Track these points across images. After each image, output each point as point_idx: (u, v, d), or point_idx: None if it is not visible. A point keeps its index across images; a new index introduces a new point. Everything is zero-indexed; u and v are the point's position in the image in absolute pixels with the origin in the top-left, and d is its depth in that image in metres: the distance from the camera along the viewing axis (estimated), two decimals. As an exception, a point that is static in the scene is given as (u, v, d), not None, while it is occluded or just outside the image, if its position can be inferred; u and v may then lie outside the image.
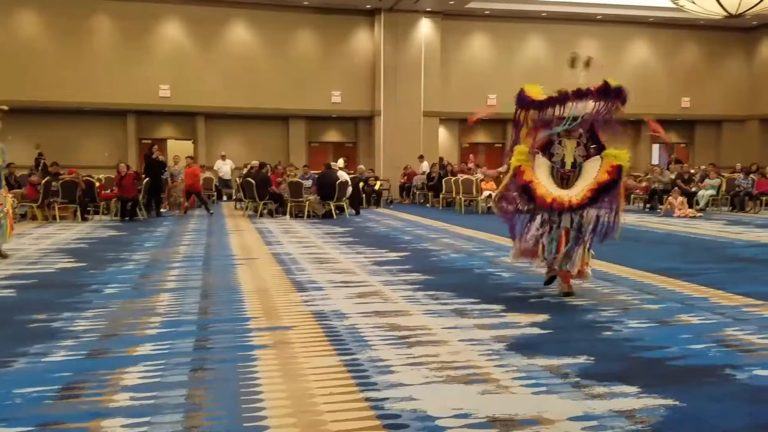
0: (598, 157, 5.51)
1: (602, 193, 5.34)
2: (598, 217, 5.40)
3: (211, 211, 14.65)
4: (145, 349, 4.06)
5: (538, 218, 5.54)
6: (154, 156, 14.54)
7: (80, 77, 19.08)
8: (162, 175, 14.81)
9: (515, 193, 5.65)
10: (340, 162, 19.01)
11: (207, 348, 4.10)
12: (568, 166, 5.55)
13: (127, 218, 13.31)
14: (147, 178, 14.00)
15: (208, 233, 10.93)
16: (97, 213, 14.09)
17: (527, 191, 5.46)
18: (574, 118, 5.44)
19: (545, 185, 5.45)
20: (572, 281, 5.68)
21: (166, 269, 7.13)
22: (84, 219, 13.24)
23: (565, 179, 5.55)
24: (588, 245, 5.60)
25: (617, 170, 5.37)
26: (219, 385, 3.42)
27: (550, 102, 5.49)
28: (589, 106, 5.44)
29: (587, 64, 5.70)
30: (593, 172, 5.43)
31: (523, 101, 5.65)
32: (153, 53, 19.85)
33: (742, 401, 3.16)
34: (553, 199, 5.34)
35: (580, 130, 5.55)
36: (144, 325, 4.64)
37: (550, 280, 5.85)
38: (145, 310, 5.11)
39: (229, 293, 5.78)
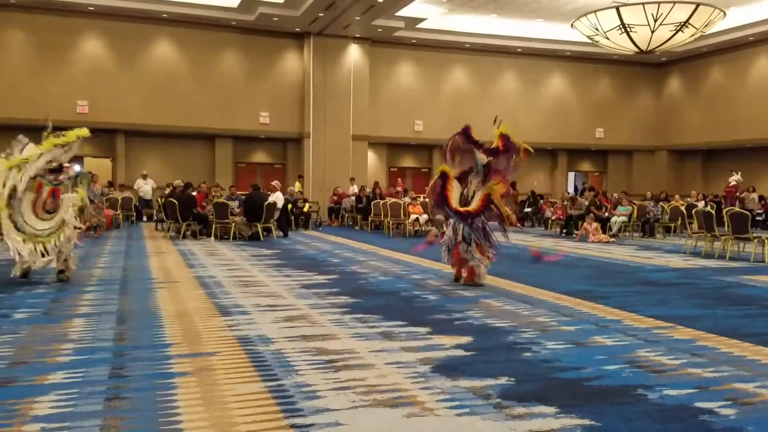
0: (483, 187, 7.74)
1: (484, 209, 7.69)
2: (477, 224, 7.70)
3: None
4: (57, 377, 3.86)
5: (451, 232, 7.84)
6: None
7: (-9, 90, 18.14)
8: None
9: (435, 198, 7.90)
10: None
11: (123, 376, 3.93)
12: (470, 194, 7.81)
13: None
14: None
15: (126, 255, 10.54)
16: (5, 233, 13.29)
17: (444, 199, 7.71)
18: (483, 165, 7.80)
19: (454, 201, 7.75)
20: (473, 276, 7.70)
21: (80, 293, 6.82)
22: (-9, 239, 12.46)
23: (463, 201, 7.80)
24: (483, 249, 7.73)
25: (487, 197, 7.62)
26: (136, 415, 3.28)
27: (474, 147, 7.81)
28: (484, 158, 7.78)
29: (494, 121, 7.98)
30: (478, 198, 7.72)
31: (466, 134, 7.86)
32: (70, 68, 19.12)
33: (654, 420, 3.32)
34: (458, 210, 7.63)
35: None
36: (55, 352, 4.41)
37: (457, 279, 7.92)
38: (57, 337, 4.86)
39: (148, 318, 5.58)
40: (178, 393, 3.60)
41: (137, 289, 7.11)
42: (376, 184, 19.76)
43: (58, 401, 3.43)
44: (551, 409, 3.41)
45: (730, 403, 3.57)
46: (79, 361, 4.20)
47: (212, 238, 13.71)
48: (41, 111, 18.51)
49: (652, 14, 15.28)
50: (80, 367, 4.07)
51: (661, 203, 17.20)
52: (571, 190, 24.34)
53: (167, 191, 16.10)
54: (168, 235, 14.28)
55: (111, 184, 18.84)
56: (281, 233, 14.83)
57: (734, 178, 20.04)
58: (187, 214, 13.78)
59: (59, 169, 7.86)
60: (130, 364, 4.17)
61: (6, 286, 7.12)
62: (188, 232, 13.96)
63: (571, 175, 26.58)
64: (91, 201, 14.40)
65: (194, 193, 14.80)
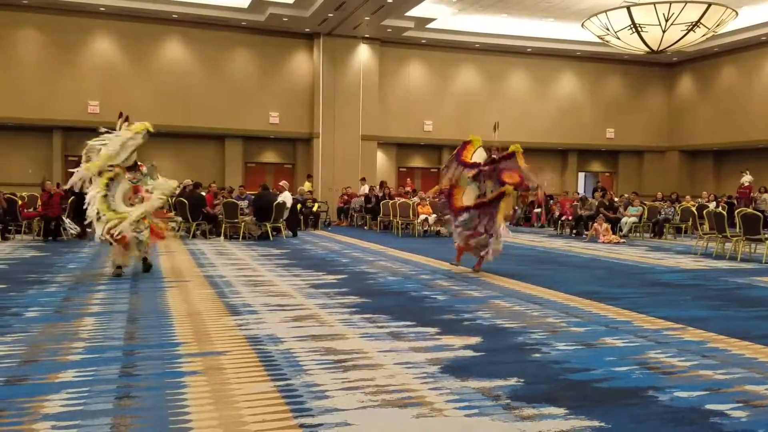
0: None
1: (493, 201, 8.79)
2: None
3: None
4: (68, 375, 3.89)
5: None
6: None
7: (4, 91, 18.31)
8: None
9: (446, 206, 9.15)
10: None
11: (133, 375, 3.96)
12: (488, 191, 8.76)
13: (50, 238, 12.76)
14: (73, 197, 13.48)
15: (137, 254, 10.57)
16: (18, 232, 13.44)
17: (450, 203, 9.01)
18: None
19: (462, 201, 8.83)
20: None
21: (91, 292, 6.86)
22: (4, 238, 12.61)
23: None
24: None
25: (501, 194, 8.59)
26: (146, 414, 3.30)
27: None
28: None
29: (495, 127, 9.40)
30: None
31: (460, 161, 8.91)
32: (82, 68, 19.25)
33: (664, 422, 3.29)
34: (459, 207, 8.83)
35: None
36: (66, 351, 4.44)
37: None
38: (68, 335, 4.89)
39: (158, 317, 5.60)
40: (188, 392, 3.62)
41: (147, 288, 7.15)
42: (384, 183, 19.73)
43: (68, 399, 3.45)
44: (561, 411, 3.40)
45: (741, 405, 3.54)
46: (89, 360, 4.23)
47: (222, 237, 13.76)
48: (53, 111, 18.77)
49: (664, 14, 15.18)
50: (91, 365, 4.10)
51: (674, 204, 17.11)
52: (581, 190, 24.23)
53: (177, 191, 16.17)
54: (178, 235, 14.35)
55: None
56: (290, 233, 14.86)
57: (746, 179, 19.86)
58: (197, 213, 13.84)
59: (134, 167, 8.52)
60: (140, 363, 4.19)
61: (18, 285, 7.18)
62: (198, 232, 14.02)
63: (581, 175, 26.47)
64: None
65: (203, 193, 14.87)
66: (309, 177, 20.50)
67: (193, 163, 20.87)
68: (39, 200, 13.76)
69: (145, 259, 8.39)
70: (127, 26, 19.42)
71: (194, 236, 13.74)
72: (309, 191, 19.07)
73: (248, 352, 4.49)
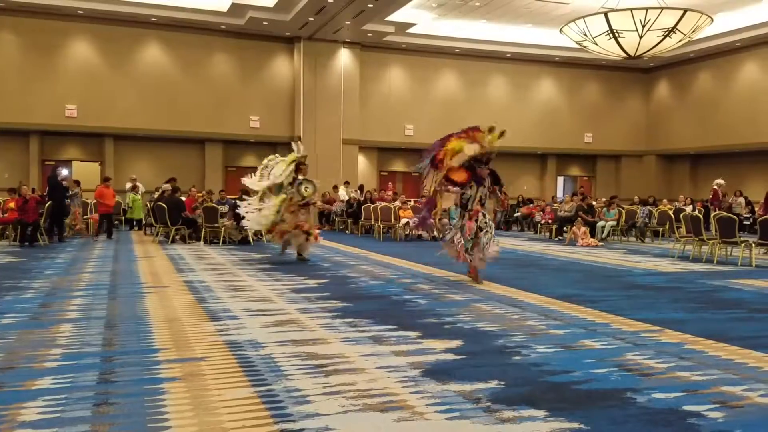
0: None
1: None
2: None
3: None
4: (45, 382, 3.83)
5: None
6: (59, 179, 13.91)
7: (-22, 93, 18.03)
8: (66, 198, 14.16)
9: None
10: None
11: (112, 381, 3.91)
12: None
13: (27, 243, 12.56)
14: (50, 202, 13.29)
15: (114, 260, 10.47)
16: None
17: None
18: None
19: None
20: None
21: (68, 298, 6.77)
22: (-23, 244, 12.40)
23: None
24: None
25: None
26: (124, 421, 3.26)
27: None
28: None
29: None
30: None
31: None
32: (59, 71, 19.00)
33: (643, 424, 3.33)
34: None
35: None
36: (43, 358, 4.38)
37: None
38: (45, 342, 4.82)
39: (137, 323, 5.54)
40: (167, 398, 3.58)
41: (126, 294, 7.07)
42: (361, 187, 19.73)
43: (46, 407, 3.40)
44: (540, 413, 3.42)
45: (717, 406, 3.59)
46: (67, 367, 4.17)
47: (202, 242, 13.65)
48: (30, 115, 18.50)
49: (640, 20, 15.40)
50: (68, 372, 4.04)
51: (649, 207, 17.34)
52: (560, 194, 24.43)
53: (156, 195, 16.05)
54: (157, 240, 14.21)
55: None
56: (271, 237, 14.77)
57: (717, 183, 20.17)
58: (176, 218, 13.71)
59: (292, 183, 10.65)
60: (118, 370, 4.15)
61: (-7, 291, 7.06)
62: (177, 237, 13.89)
63: (560, 179, 26.71)
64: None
65: (183, 198, 14.75)
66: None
67: (173, 167, 20.64)
68: (9, 203, 13.57)
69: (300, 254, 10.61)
70: (105, 29, 19.22)
71: (173, 241, 13.61)
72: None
73: (228, 357, 4.46)
